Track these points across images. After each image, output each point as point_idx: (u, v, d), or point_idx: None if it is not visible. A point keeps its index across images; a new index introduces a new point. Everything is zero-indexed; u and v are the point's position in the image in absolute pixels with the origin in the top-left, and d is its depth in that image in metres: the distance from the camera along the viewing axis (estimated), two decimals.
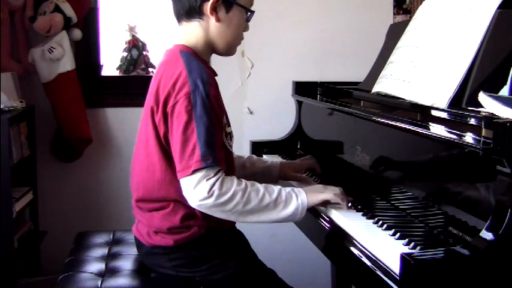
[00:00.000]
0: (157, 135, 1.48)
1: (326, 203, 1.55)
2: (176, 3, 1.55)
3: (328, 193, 1.53)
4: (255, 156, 1.89)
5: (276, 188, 1.49)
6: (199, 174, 1.40)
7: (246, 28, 1.60)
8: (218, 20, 1.52)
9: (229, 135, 1.58)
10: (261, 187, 1.48)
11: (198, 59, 1.51)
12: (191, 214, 1.49)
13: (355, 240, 1.37)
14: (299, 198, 1.49)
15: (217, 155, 1.43)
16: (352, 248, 1.36)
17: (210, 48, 1.57)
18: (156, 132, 1.48)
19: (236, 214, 1.45)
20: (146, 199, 1.54)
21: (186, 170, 1.41)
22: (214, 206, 1.42)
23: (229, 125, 1.58)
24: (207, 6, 1.50)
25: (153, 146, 1.49)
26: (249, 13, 1.57)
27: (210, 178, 1.40)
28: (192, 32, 1.54)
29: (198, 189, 1.41)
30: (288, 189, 1.51)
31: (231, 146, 1.59)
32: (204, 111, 1.41)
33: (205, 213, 1.46)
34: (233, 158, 1.63)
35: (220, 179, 1.41)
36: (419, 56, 1.64)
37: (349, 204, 1.55)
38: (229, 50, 1.60)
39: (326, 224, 1.53)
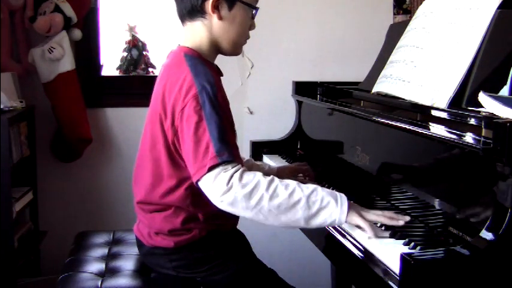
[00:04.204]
0: (166, 141, 1.45)
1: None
2: (179, 4, 1.53)
3: (365, 222, 1.34)
4: (253, 160, 1.87)
5: (310, 185, 1.38)
6: (216, 170, 1.33)
7: (251, 26, 1.56)
8: (220, 18, 1.49)
9: None
10: (292, 182, 1.36)
11: (203, 61, 1.49)
12: (192, 217, 1.48)
13: (355, 240, 1.37)
14: (339, 200, 1.35)
15: (233, 151, 1.38)
16: (352, 248, 1.36)
17: (215, 48, 1.54)
18: (165, 139, 1.45)
19: (264, 212, 1.32)
20: (148, 202, 1.53)
21: (201, 170, 1.34)
22: (237, 200, 1.32)
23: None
24: (209, 4, 1.48)
25: (161, 152, 1.47)
26: (253, 10, 1.53)
27: (228, 170, 1.34)
28: (196, 32, 1.52)
29: (216, 183, 1.32)
30: (326, 189, 1.39)
31: None
32: (214, 109, 1.38)
33: (208, 216, 1.44)
34: None
35: (239, 170, 1.34)
36: (419, 56, 1.64)
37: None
38: (234, 49, 1.56)
39: None
